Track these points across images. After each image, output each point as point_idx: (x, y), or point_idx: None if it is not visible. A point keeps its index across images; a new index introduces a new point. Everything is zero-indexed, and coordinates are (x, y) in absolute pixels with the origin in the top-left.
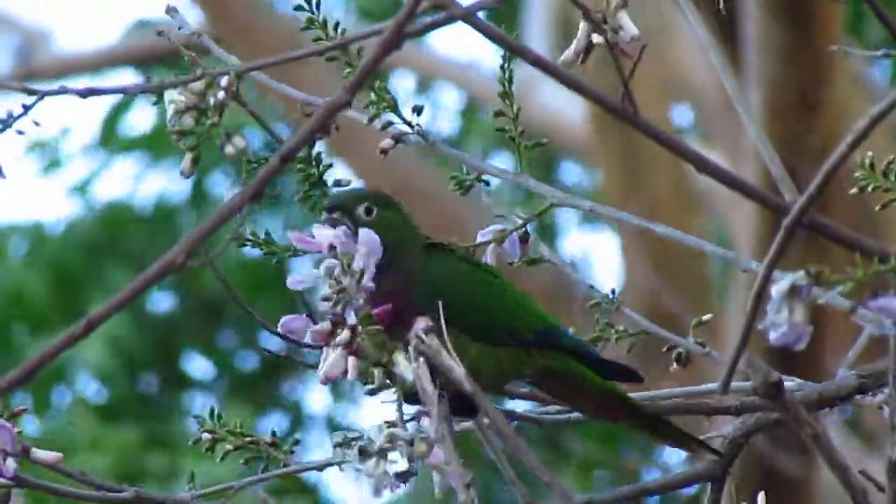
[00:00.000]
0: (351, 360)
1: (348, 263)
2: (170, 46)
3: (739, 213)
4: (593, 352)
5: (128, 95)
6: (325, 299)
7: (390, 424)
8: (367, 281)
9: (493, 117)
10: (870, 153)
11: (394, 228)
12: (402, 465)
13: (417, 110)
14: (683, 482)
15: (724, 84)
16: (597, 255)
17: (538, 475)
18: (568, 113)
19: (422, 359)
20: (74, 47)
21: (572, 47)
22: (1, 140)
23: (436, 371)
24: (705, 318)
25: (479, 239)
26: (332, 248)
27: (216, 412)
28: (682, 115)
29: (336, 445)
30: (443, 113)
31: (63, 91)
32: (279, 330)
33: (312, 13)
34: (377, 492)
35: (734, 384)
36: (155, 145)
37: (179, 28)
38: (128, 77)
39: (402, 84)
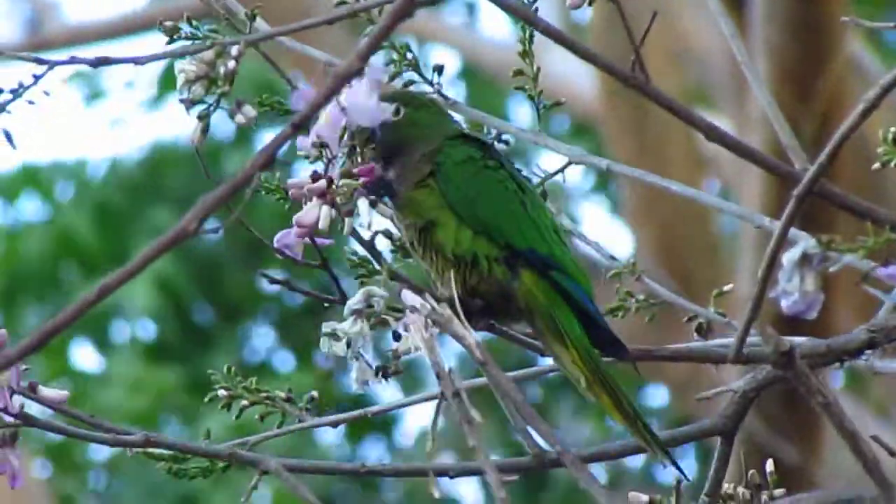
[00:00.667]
0: (324, 209)
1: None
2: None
3: (746, 184)
4: (588, 306)
5: (141, 63)
6: (307, 157)
7: (366, 283)
8: (347, 140)
9: (512, 76)
10: (893, 129)
11: (422, 125)
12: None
13: (438, 69)
14: (693, 436)
15: (731, 53)
16: (601, 225)
17: (543, 435)
18: (577, 80)
19: (433, 328)
20: (84, 17)
21: None
22: (13, 109)
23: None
24: (726, 287)
25: None
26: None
27: (232, 369)
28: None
29: (324, 335)
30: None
31: (74, 61)
32: (275, 245)
33: None
34: (353, 353)
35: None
36: None
37: None
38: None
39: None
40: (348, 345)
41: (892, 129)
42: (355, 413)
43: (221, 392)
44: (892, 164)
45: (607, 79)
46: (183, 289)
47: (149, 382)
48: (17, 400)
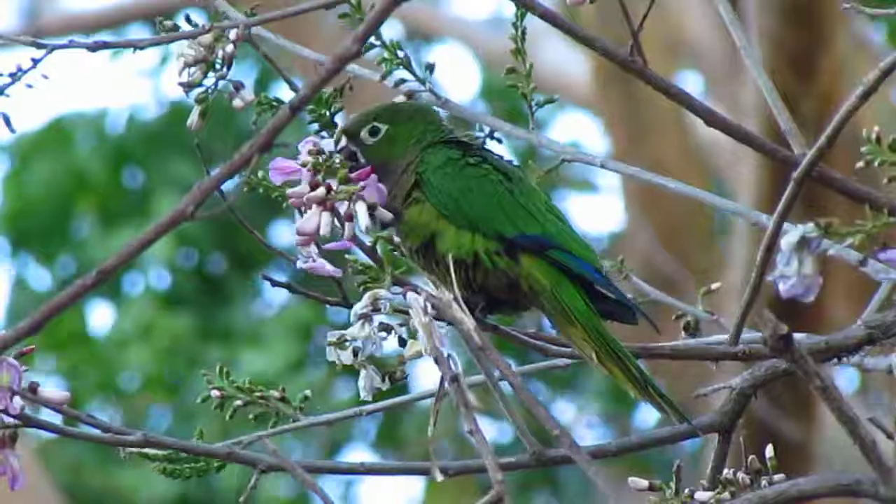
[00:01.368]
0: (325, 216)
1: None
2: (177, 4)
3: (741, 172)
4: (593, 275)
5: (140, 48)
6: (304, 165)
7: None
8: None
9: (506, 73)
10: (876, 127)
11: (401, 140)
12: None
13: (430, 68)
14: (692, 432)
15: (724, 42)
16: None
17: (543, 420)
18: (569, 70)
19: (432, 312)
20: (81, 6)
21: None
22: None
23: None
24: (714, 286)
25: None
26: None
27: (225, 370)
28: (686, 79)
29: (329, 344)
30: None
31: (72, 45)
32: (270, 173)
33: None
34: (362, 358)
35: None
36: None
37: None
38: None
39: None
40: (355, 353)
41: (876, 128)
42: (350, 411)
43: (214, 392)
44: (876, 164)
45: (600, 68)
46: (198, 240)
47: (161, 329)
48: (17, 401)
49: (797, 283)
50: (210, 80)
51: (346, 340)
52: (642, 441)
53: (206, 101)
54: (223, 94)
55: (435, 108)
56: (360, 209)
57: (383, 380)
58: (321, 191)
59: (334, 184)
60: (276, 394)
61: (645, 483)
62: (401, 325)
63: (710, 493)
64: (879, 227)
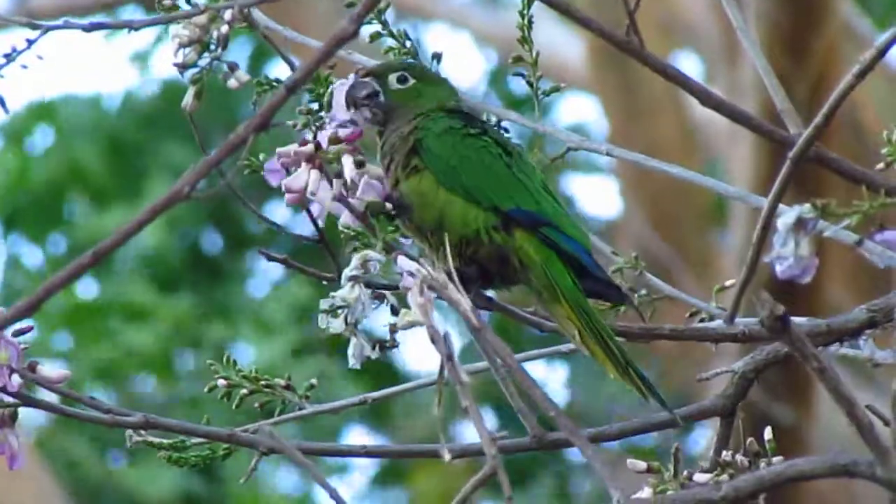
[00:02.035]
0: (313, 173)
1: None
2: None
3: (737, 154)
4: (583, 257)
5: (135, 29)
6: (294, 125)
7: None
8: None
9: (511, 62)
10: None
11: (422, 97)
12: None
13: (437, 57)
14: (693, 416)
15: (720, 23)
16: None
17: (541, 402)
18: (566, 53)
19: (429, 292)
20: None
21: None
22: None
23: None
24: (728, 283)
25: None
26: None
27: (231, 359)
28: (682, 59)
29: (322, 311)
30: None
31: (67, 26)
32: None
33: None
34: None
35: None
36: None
37: None
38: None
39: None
40: (346, 320)
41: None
42: (355, 399)
43: (221, 382)
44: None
45: (597, 49)
46: (192, 218)
47: (162, 310)
48: (16, 379)
49: (794, 263)
50: (205, 61)
51: (338, 307)
52: (642, 426)
53: (201, 82)
54: (218, 75)
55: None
56: (346, 162)
57: (374, 348)
58: (310, 147)
59: (324, 142)
60: (281, 382)
61: (643, 465)
62: (392, 292)
63: (708, 476)
64: (876, 207)
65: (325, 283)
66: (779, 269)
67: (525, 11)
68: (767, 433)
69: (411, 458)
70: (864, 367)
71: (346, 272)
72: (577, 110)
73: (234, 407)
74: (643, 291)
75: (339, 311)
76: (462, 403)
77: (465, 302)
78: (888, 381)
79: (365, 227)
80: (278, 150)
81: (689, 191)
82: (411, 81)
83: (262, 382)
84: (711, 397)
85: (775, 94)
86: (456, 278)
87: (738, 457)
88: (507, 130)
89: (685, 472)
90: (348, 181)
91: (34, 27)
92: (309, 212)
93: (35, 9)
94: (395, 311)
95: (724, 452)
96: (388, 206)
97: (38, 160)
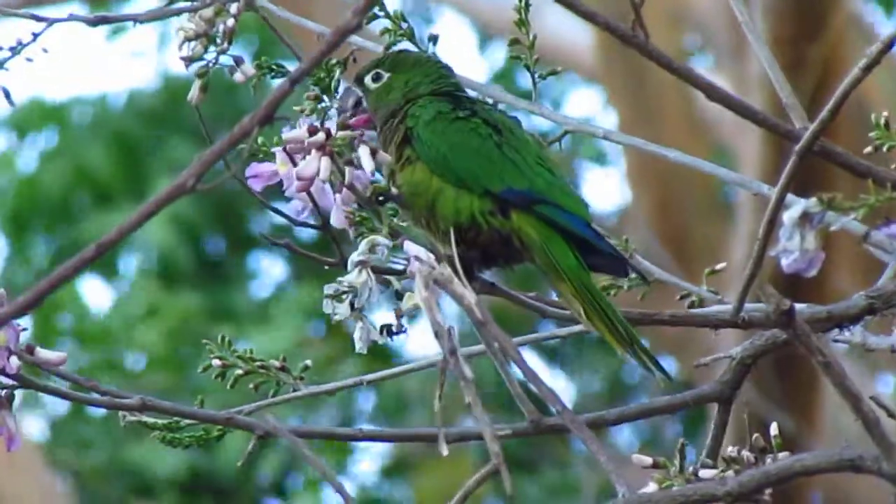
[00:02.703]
0: (324, 160)
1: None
2: None
3: (744, 144)
4: (583, 230)
5: (140, 22)
6: (302, 111)
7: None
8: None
9: (508, 45)
10: (885, 112)
11: (397, 89)
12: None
13: (433, 39)
14: (691, 402)
15: (728, 15)
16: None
17: (543, 394)
18: (573, 39)
19: (433, 286)
20: None
21: None
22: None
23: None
24: (718, 266)
25: None
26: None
27: (227, 339)
28: (691, 45)
29: (327, 297)
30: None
31: (72, 18)
32: (249, 181)
33: None
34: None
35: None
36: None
37: None
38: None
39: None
40: (352, 306)
41: (885, 113)
42: (351, 381)
43: (215, 361)
44: (885, 149)
45: (604, 39)
46: (196, 220)
47: (168, 309)
48: (14, 361)
49: (799, 257)
50: (211, 55)
51: (344, 292)
52: (640, 410)
53: (207, 76)
54: (223, 69)
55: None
56: (364, 152)
57: (381, 333)
58: (320, 135)
59: (333, 129)
60: (276, 363)
61: (649, 460)
62: (398, 278)
63: (714, 471)
64: (882, 200)
65: (327, 268)
66: (785, 263)
67: None
68: (773, 429)
69: (414, 450)
70: (872, 356)
71: (353, 257)
72: (585, 103)
73: (228, 387)
74: (633, 275)
75: (345, 297)
76: (466, 399)
77: (470, 296)
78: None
79: (371, 213)
80: (286, 135)
81: (695, 179)
82: (385, 76)
83: (258, 363)
84: (709, 382)
85: (780, 88)
86: (459, 267)
87: (744, 452)
88: (503, 113)
89: (690, 468)
90: (367, 170)
91: (39, 20)
92: (313, 199)
93: None
94: (399, 297)
95: (731, 448)
96: (393, 190)
97: (45, 160)
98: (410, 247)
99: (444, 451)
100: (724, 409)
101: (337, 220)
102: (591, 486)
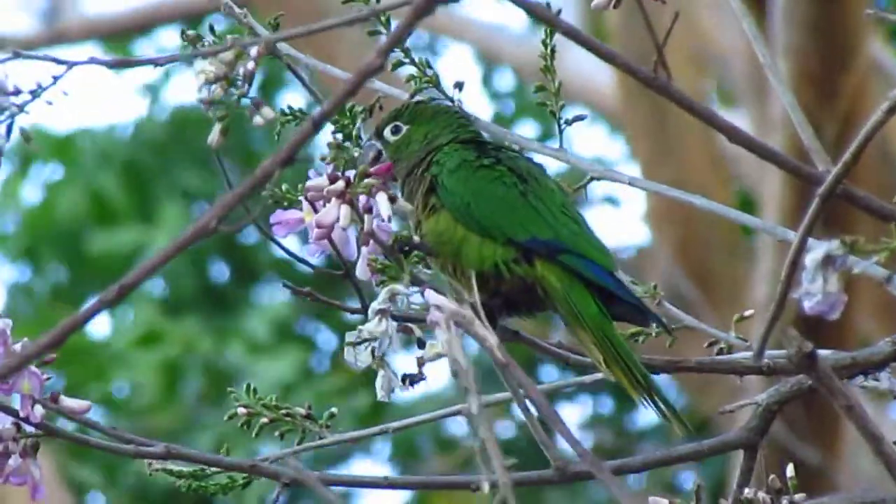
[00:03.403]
0: (344, 208)
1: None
2: (196, 9)
3: (767, 179)
4: (606, 280)
5: (160, 65)
6: (323, 159)
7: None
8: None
9: (534, 91)
10: None
11: (416, 142)
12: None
13: (459, 86)
14: (716, 450)
15: (751, 54)
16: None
17: (566, 438)
18: (596, 77)
19: (455, 328)
20: (101, 8)
21: None
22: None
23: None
24: (747, 313)
25: None
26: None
27: (252, 388)
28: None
29: (347, 345)
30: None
31: (93, 62)
32: (273, 228)
33: None
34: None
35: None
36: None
37: None
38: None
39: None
40: (373, 353)
41: None
42: (376, 429)
43: (241, 409)
44: None
45: (625, 78)
46: (200, 248)
47: (171, 335)
48: (39, 409)
49: (822, 300)
50: (231, 98)
51: (364, 340)
52: (664, 458)
53: (227, 118)
54: (242, 110)
55: (464, 110)
56: (381, 199)
57: (403, 382)
58: (340, 184)
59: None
60: (301, 411)
61: (665, 502)
62: (419, 326)
63: None
64: None
65: (349, 315)
66: (807, 305)
67: (548, 41)
68: (789, 470)
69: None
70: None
71: (374, 305)
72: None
73: (253, 435)
74: (663, 320)
75: (366, 345)
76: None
77: (492, 338)
78: None
79: (392, 261)
80: (307, 183)
81: (718, 222)
82: (404, 129)
83: (283, 411)
84: (735, 429)
85: (802, 130)
86: (482, 313)
87: (761, 494)
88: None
89: None
90: (384, 217)
91: (59, 63)
92: (334, 245)
93: (64, 29)
94: (421, 345)
95: (747, 490)
96: (416, 238)
97: (56, 190)
98: (431, 296)
99: (486, 488)
100: (749, 455)
101: (361, 272)
102: None
